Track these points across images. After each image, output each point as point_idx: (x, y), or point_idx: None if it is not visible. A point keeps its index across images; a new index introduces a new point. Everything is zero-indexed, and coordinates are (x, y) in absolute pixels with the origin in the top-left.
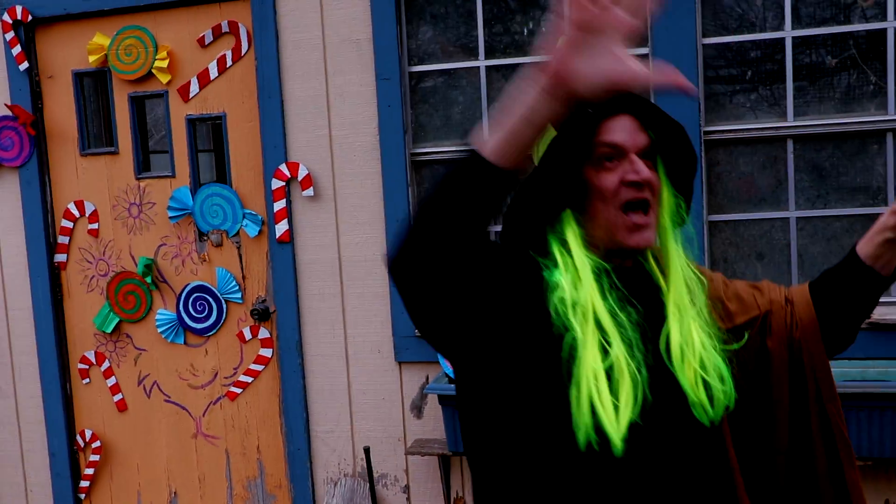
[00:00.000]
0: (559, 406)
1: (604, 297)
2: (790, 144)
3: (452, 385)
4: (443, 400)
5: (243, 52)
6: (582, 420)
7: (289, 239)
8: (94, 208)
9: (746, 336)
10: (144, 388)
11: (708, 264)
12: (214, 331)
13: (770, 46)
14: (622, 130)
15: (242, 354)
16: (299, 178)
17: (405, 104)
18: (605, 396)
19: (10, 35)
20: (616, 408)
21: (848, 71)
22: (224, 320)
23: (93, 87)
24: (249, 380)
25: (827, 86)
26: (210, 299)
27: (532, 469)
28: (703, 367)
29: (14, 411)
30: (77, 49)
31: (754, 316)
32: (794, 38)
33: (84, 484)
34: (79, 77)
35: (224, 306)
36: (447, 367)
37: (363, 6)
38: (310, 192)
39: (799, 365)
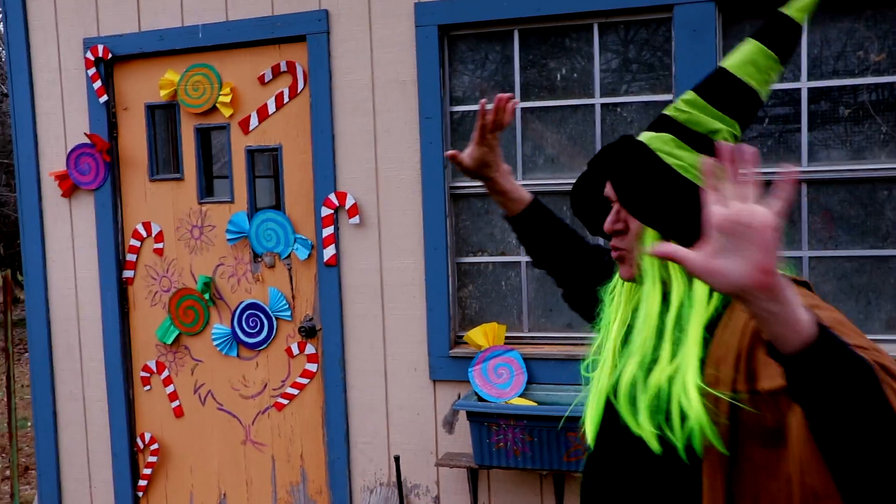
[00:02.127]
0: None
1: (625, 323)
2: (804, 188)
3: (480, 402)
4: (471, 416)
5: (299, 90)
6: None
7: (335, 263)
8: (159, 229)
9: (764, 397)
10: (200, 397)
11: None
12: (265, 345)
13: (786, 95)
14: (608, 184)
15: (290, 368)
16: (346, 207)
17: (446, 141)
18: (589, 404)
19: (91, 71)
20: (594, 413)
21: (860, 120)
22: (274, 336)
23: (163, 118)
24: (296, 392)
25: (840, 134)
26: (262, 316)
27: None
28: (663, 408)
29: (82, 413)
30: (150, 84)
31: (780, 385)
32: (809, 88)
33: (142, 483)
34: (150, 109)
35: (275, 323)
36: (476, 386)
37: (409, 50)
38: (356, 220)
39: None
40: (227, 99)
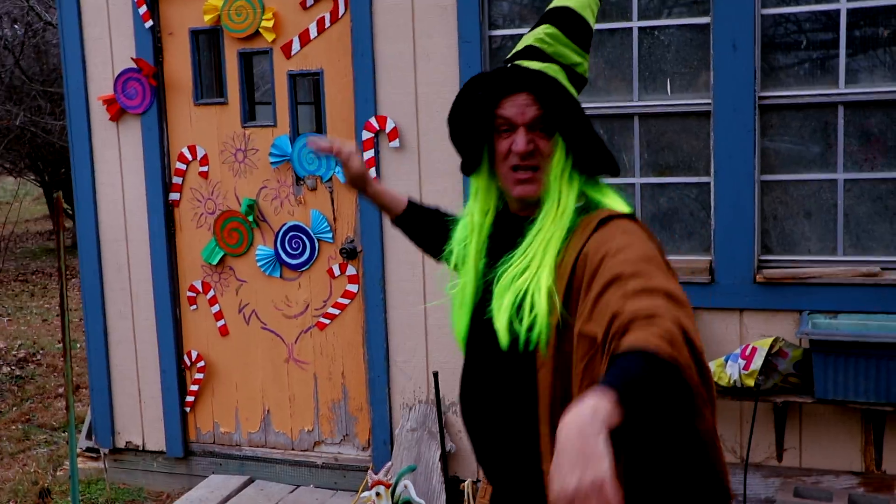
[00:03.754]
0: None
1: (482, 239)
2: (840, 110)
3: None
4: None
5: (340, 14)
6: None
7: None
8: (204, 153)
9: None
10: (244, 316)
11: (758, 221)
12: (307, 266)
13: (825, 17)
14: (513, 107)
15: (331, 289)
16: (387, 131)
17: (484, 65)
18: (454, 313)
19: None
20: (461, 321)
21: None
22: (316, 257)
23: (207, 43)
24: (337, 312)
25: (878, 56)
26: (304, 238)
27: None
28: (518, 303)
29: (131, 332)
30: (194, 9)
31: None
32: (848, 9)
33: (189, 399)
34: (195, 34)
35: (316, 245)
36: None
37: None
38: (396, 143)
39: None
40: (270, 24)
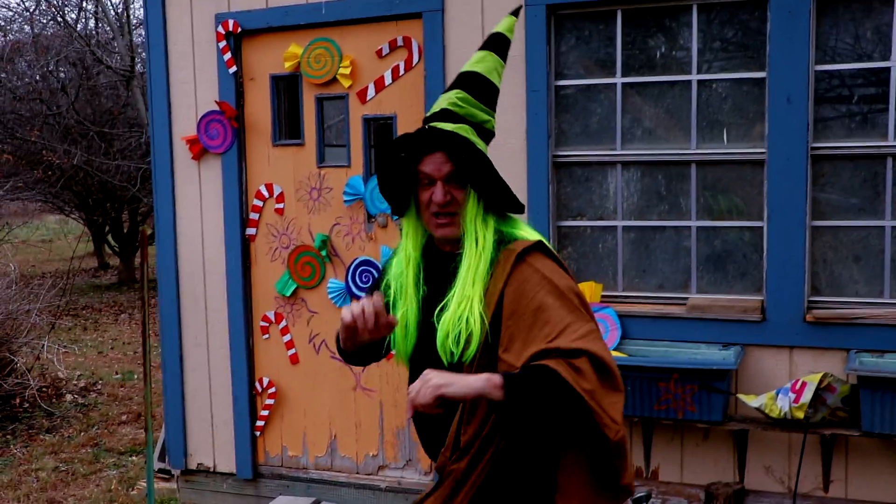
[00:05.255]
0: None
1: (416, 271)
2: (889, 162)
3: None
4: None
5: (414, 63)
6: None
7: None
8: (280, 190)
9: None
10: (314, 346)
11: (809, 264)
12: None
13: (876, 74)
14: (431, 164)
15: None
16: None
17: (550, 113)
18: (398, 336)
19: (222, 43)
20: (405, 342)
21: None
22: None
23: (286, 88)
24: None
25: None
26: (374, 272)
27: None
28: (457, 324)
29: (206, 359)
30: (275, 56)
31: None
32: None
33: (260, 423)
34: (275, 80)
35: None
36: None
37: (518, 27)
38: None
39: None
40: (347, 71)
